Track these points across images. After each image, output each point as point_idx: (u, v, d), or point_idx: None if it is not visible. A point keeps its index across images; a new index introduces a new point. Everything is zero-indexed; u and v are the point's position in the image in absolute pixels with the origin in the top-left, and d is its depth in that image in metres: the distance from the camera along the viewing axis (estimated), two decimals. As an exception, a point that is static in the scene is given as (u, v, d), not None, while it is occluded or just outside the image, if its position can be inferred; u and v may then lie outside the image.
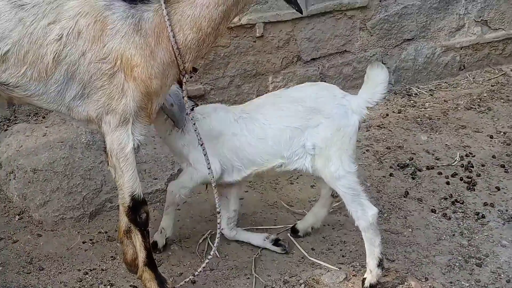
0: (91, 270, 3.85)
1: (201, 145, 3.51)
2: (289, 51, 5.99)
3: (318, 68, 6.13)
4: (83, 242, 4.10)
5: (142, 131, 3.36)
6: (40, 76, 3.20)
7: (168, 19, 3.17)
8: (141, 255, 3.50)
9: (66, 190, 4.33)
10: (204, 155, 3.53)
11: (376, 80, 3.68)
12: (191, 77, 3.47)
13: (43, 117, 5.29)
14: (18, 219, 4.28)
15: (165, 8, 3.17)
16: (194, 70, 3.51)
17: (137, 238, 3.50)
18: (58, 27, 3.13)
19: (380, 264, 3.64)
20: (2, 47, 3.13)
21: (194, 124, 3.52)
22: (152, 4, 3.20)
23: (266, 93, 5.87)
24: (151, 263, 3.51)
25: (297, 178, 4.77)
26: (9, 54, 3.14)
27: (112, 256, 3.97)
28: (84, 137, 4.63)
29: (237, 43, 5.80)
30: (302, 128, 3.68)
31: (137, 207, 3.42)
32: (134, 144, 3.33)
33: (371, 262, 3.65)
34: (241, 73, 5.91)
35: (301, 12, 3.31)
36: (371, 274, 3.65)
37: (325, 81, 6.09)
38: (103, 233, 4.19)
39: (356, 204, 3.58)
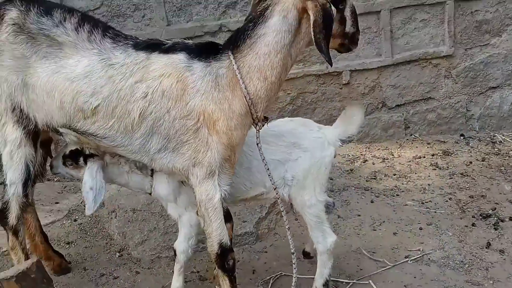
0: (184, 308, 4.11)
1: (265, 165, 3.69)
2: (374, 98, 6.19)
3: (402, 114, 6.30)
4: (177, 281, 4.37)
5: (227, 181, 3.54)
6: (126, 129, 3.45)
7: (239, 73, 3.36)
8: None
9: (162, 230, 4.63)
10: (269, 175, 3.71)
11: (353, 118, 3.99)
12: (262, 126, 3.59)
13: (141, 158, 5.66)
14: (119, 256, 4.59)
15: (235, 63, 3.37)
16: (265, 119, 3.64)
17: (225, 283, 3.69)
18: (144, 85, 3.38)
19: (326, 284, 3.97)
20: (93, 101, 3.39)
21: (258, 143, 3.64)
22: (224, 61, 3.40)
23: (352, 138, 6.13)
24: None
25: (380, 224, 4.91)
26: (99, 108, 3.40)
27: (203, 295, 4.22)
28: (179, 180, 4.94)
29: (324, 90, 6.05)
30: (283, 161, 3.91)
31: (225, 254, 3.61)
32: (221, 195, 3.51)
33: (319, 281, 3.98)
34: (327, 118, 6.14)
35: (331, 65, 3.41)
36: None
37: (409, 127, 6.25)
38: (195, 272, 4.44)
39: (319, 230, 3.86)
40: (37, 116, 3.54)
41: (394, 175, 5.68)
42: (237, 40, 3.40)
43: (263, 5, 3.39)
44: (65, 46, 3.43)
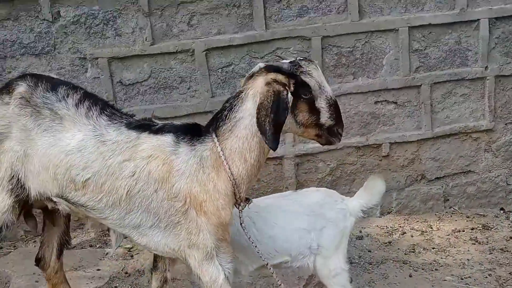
0: None
1: (252, 243, 3.77)
2: (414, 170, 6.23)
3: (442, 186, 6.31)
4: None
5: (228, 259, 3.61)
6: (114, 204, 3.58)
7: (223, 154, 3.48)
8: None
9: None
10: (258, 252, 3.78)
11: (375, 189, 4.22)
12: (244, 207, 3.68)
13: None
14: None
15: (219, 145, 3.50)
16: (247, 200, 3.71)
17: None
18: (132, 164, 3.53)
19: None
20: (84, 174, 3.56)
21: (242, 223, 3.73)
22: (208, 143, 3.53)
23: (390, 210, 6.18)
24: None
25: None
26: (89, 181, 3.56)
27: None
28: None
29: (363, 161, 6.12)
30: (309, 230, 4.08)
31: None
32: (225, 275, 3.57)
33: None
34: (366, 189, 6.19)
35: (273, 149, 3.47)
36: None
37: (448, 200, 6.27)
38: None
39: None
40: (31, 186, 3.71)
41: (433, 248, 5.67)
42: (219, 123, 3.56)
43: (241, 88, 3.59)
44: (64, 120, 3.63)
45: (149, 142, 3.55)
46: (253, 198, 3.88)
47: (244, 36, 5.76)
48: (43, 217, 4.21)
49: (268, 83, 3.44)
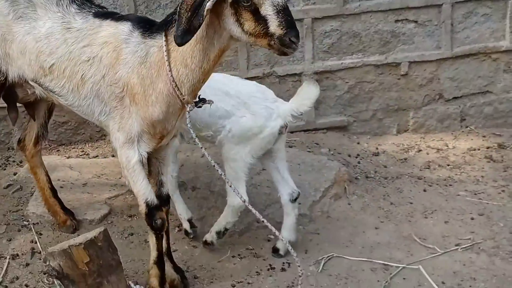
0: (238, 283, 4.27)
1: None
2: (432, 89, 6.25)
3: (459, 106, 6.34)
4: (233, 256, 4.55)
5: (146, 148, 3.76)
6: (73, 89, 3.78)
7: (167, 56, 3.48)
8: (153, 254, 3.97)
9: (220, 209, 4.80)
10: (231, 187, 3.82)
11: (308, 94, 4.29)
12: (199, 107, 3.67)
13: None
14: (178, 231, 4.81)
15: (165, 45, 3.48)
16: (202, 100, 3.69)
17: (151, 240, 3.95)
18: (89, 50, 3.68)
19: (219, 233, 4.44)
20: (50, 60, 3.77)
21: (188, 124, 3.69)
22: (157, 41, 3.54)
23: (407, 128, 6.22)
24: (160, 263, 3.99)
25: (432, 212, 5.01)
26: (54, 67, 3.77)
27: (257, 272, 4.37)
28: (237, 161, 5.12)
29: (382, 80, 6.14)
30: (229, 113, 4.27)
31: (152, 213, 3.84)
32: (139, 158, 3.74)
33: (215, 227, 4.48)
34: (384, 108, 6.24)
35: (176, 42, 3.30)
36: (210, 234, 4.50)
37: (465, 120, 6.31)
38: (250, 249, 4.63)
39: (233, 187, 3.85)
40: (9, 69, 3.99)
41: (448, 165, 5.75)
42: (171, 24, 3.48)
43: None
44: (38, 8, 3.83)
45: (108, 29, 3.67)
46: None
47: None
48: (26, 109, 4.58)
49: None
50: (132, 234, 4.71)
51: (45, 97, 4.05)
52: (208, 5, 3.22)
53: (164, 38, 3.50)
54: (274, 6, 3.25)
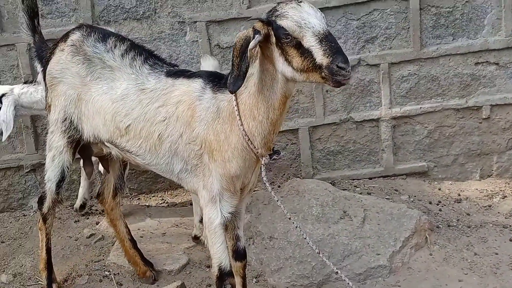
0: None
1: None
2: (516, 133, 6.07)
3: (546, 150, 6.12)
4: (311, 309, 4.51)
5: (229, 209, 3.76)
6: (151, 149, 3.83)
7: (237, 109, 3.49)
8: None
9: (298, 259, 4.77)
10: None
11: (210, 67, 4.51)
12: (274, 160, 3.67)
13: (279, 186, 5.87)
14: (255, 282, 4.78)
15: (235, 99, 3.50)
16: (277, 152, 3.68)
17: None
18: (164, 110, 3.73)
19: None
20: (126, 121, 3.84)
21: (264, 177, 3.75)
22: (227, 95, 3.54)
23: (490, 173, 6.04)
24: None
25: (519, 264, 4.82)
26: (130, 128, 3.84)
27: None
28: (315, 210, 5.08)
29: (462, 124, 6.01)
30: None
31: (223, 277, 3.83)
32: (222, 220, 3.74)
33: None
34: (465, 152, 6.09)
35: (231, 92, 3.39)
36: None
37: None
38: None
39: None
40: (84, 128, 4.07)
41: (536, 213, 5.53)
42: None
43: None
44: (114, 70, 3.93)
45: (181, 88, 3.74)
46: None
47: (341, -3, 5.74)
48: (101, 163, 4.73)
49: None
50: (210, 285, 4.71)
51: (120, 157, 4.14)
52: (251, 45, 3.27)
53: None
54: (316, 36, 3.22)
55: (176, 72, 3.84)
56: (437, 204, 5.68)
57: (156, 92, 3.79)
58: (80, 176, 5.73)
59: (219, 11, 5.71)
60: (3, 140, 5.11)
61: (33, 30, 4.40)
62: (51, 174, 4.26)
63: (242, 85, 3.37)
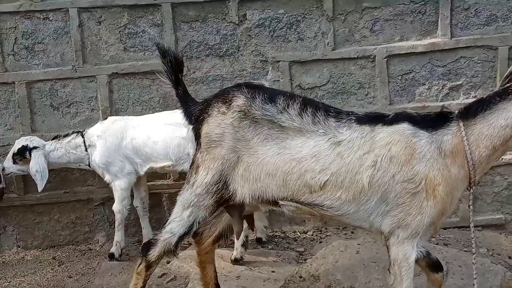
0: None
1: None
2: None
3: None
4: None
5: (424, 243, 3.76)
6: (354, 197, 3.70)
7: (466, 139, 3.58)
8: None
9: (380, 309, 4.65)
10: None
11: None
12: (474, 190, 3.76)
13: (352, 232, 5.75)
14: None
15: (464, 130, 3.60)
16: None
17: None
18: (372, 155, 3.64)
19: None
20: (321, 177, 3.69)
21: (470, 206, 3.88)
22: (451, 128, 3.63)
23: None
24: None
25: None
26: (327, 182, 3.69)
27: None
28: (395, 260, 4.93)
29: (544, 176, 5.86)
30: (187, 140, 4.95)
31: None
32: (416, 255, 3.70)
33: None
34: (545, 205, 5.93)
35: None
36: None
37: None
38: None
39: None
40: (239, 189, 3.86)
41: None
42: (475, 110, 3.64)
43: (510, 83, 3.63)
44: (288, 130, 3.76)
45: (385, 131, 3.67)
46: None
47: (428, 43, 5.66)
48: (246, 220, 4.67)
49: None
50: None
51: (292, 211, 3.93)
52: None
53: (462, 123, 3.62)
54: None
55: (369, 118, 3.77)
56: (517, 260, 5.51)
57: (355, 141, 3.69)
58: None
59: (303, 52, 5.66)
60: (40, 190, 5.37)
61: (176, 83, 4.19)
62: (176, 227, 4.01)
63: (481, 117, 3.63)
